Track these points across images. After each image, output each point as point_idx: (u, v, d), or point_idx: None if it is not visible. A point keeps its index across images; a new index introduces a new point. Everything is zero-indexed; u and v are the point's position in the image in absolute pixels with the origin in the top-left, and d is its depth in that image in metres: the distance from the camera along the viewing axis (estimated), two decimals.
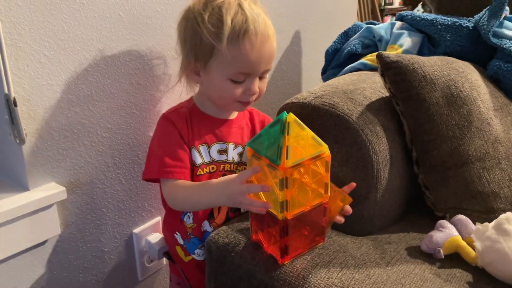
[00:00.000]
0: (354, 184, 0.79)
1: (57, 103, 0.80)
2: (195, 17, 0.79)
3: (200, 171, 0.85)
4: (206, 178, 0.86)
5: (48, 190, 0.80)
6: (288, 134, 0.67)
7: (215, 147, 0.88)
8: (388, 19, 4.70)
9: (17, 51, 0.73)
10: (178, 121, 0.86)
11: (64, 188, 0.82)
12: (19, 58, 0.73)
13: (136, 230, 1.02)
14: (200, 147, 0.86)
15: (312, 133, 0.71)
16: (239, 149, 0.90)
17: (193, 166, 0.85)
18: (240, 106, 0.85)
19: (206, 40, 0.78)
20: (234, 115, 0.92)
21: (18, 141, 0.75)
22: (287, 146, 0.66)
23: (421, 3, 4.99)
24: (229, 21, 0.76)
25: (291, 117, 0.67)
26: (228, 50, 0.77)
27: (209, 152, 0.87)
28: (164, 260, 1.11)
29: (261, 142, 0.70)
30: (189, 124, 0.86)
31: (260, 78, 0.84)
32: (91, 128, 0.87)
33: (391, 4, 5.01)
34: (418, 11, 4.84)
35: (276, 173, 0.67)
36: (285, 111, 0.69)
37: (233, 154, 0.89)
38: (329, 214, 0.77)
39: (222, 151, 0.88)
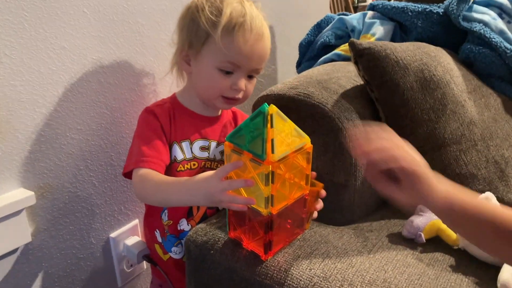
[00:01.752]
0: (314, 174, 0.78)
1: (22, 104, 0.77)
2: (196, 6, 0.81)
3: (180, 167, 0.84)
4: (186, 174, 0.84)
5: (15, 196, 0.77)
6: (272, 127, 0.64)
7: (198, 144, 0.86)
8: None
9: None
10: (161, 114, 0.84)
11: (33, 193, 0.79)
12: None
13: (113, 235, 0.99)
14: (182, 143, 0.85)
15: (294, 125, 0.69)
16: (221, 147, 0.89)
17: (174, 162, 0.83)
18: (224, 102, 0.83)
19: (203, 27, 0.79)
20: (217, 113, 0.91)
21: None
22: (272, 140, 0.64)
23: None
24: (228, 12, 0.78)
25: (273, 108, 0.65)
26: (222, 39, 0.77)
27: (191, 149, 0.86)
28: (145, 264, 1.08)
29: (242, 136, 0.68)
30: (172, 119, 0.85)
31: (250, 77, 0.84)
32: (59, 129, 0.84)
33: (364, 1, 5.06)
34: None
35: (261, 167, 0.64)
36: (265, 103, 0.66)
37: (215, 152, 0.88)
38: (308, 205, 0.76)
39: (204, 148, 0.87)
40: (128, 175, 0.82)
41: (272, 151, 0.64)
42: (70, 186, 0.88)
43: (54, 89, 0.82)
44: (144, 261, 1.00)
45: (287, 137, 0.67)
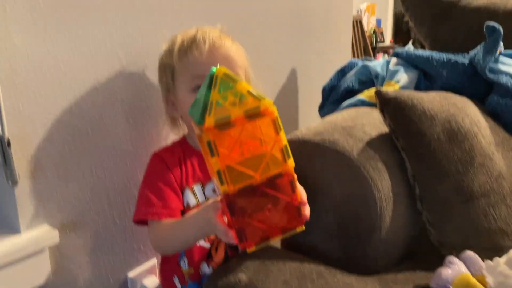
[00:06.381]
0: None
1: (52, 142, 0.78)
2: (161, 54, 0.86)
3: None
4: None
5: (40, 233, 0.77)
6: (214, 89, 0.57)
7: (210, 186, 0.85)
8: (380, 56, 4.81)
9: (12, 90, 0.72)
10: (170, 160, 0.83)
11: (57, 231, 0.79)
12: (14, 97, 0.72)
13: (130, 274, 0.98)
14: (195, 186, 0.83)
15: (249, 87, 0.59)
16: None
17: (187, 208, 0.82)
18: None
19: (166, 63, 0.82)
20: None
21: (10, 183, 0.72)
22: (211, 102, 0.56)
23: (411, 40, 5.14)
24: (179, 38, 0.82)
25: (220, 70, 0.58)
26: (180, 61, 0.80)
27: (203, 192, 0.84)
28: None
29: (194, 106, 0.61)
30: (183, 162, 0.84)
31: None
32: (85, 167, 0.85)
33: (383, 42, 5.14)
34: (409, 48, 4.97)
35: (202, 136, 0.57)
36: (214, 67, 0.60)
37: None
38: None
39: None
40: (138, 222, 0.83)
41: (209, 114, 0.56)
42: (92, 223, 0.88)
43: (83, 127, 0.83)
44: None
45: (236, 101, 0.58)
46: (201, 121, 0.57)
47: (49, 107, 0.77)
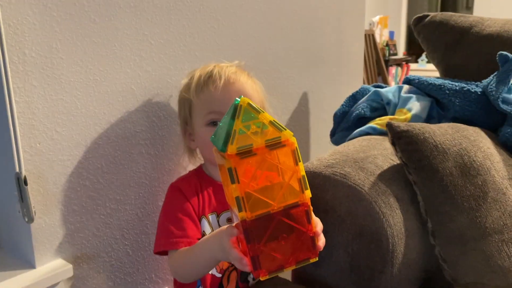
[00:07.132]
0: None
1: (67, 178, 0.80)
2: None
3: None
4: None
5: (54, 268, 0.78)
6: (238, 118, 0.58)
7: (224, 216, 0.86)
8: (393, 69, 4.78)
9: (30, 129, 0.74)
10: (187, 190, 0.85)
11: (71, 266, 0.80)
12: (31, 136, 0.74)
13: None
14: (210, 216, 0.85)
15: (271, 118, 0.60)
16: None
17: (203, 236, 0.83)
18: None
19: (184, 97, 0.86)
20: None
21: (26, 220, 0.74)
22: (234, 131, 0.58)
23: (424, 52, 5.10)
24: (197, 73, 0.86)
25: (244, 101, 0.60)
26: (197, 96, 0.83)
27: (218, 222, 0.85)
28: None
29: (216, 133, 0.63)
30: (200, 192, 0.86)
31: None
32: (99, 200, 0.86)
33: (395, 54, 5.11)
34: (422, 60, 4.93)
35: (226, 163, 0.58)
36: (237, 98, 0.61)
37: None
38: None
39: (231, 220, 0.86)
40: (159, 252, 0.84)
41: (231, 142, 0.58)
42: (106, 255, 0.89)
43: (98, 162, 0.85)
44: None
45: (258, 131, 0.60)
46: (223, 148, 0.59)
47: (64, 144, 0.79)
